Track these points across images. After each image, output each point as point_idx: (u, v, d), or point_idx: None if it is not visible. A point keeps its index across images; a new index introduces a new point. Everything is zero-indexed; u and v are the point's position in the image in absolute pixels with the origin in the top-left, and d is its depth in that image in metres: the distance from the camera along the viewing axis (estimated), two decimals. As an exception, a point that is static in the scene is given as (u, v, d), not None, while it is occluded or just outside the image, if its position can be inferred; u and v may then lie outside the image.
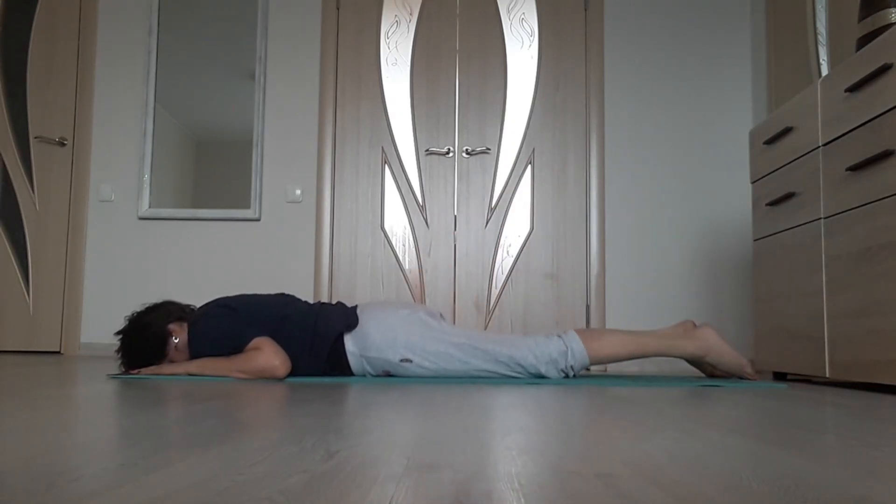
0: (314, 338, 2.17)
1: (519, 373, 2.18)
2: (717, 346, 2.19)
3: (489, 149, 3.72)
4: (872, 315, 1.92)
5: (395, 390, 1.74)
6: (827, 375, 2.15)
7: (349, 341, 2.19)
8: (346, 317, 2.22)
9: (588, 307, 3.61)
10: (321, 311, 2.24)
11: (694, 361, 2.27)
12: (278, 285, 3.74)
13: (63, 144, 3.88)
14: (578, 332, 2.22)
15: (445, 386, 1.93)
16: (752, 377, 2.26)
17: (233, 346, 2.11)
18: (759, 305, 2.65)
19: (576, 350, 2.16)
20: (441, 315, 2.33)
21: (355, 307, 2.29)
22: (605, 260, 3.63)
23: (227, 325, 2.13)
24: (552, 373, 2.16)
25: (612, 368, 3.45)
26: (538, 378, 2.18)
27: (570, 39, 3.75)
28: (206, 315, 2.16)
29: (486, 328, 3.62)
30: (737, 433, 1.03)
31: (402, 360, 2.16)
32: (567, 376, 2.20)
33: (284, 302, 2.25)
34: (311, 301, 3.62)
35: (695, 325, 2.28)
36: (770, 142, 2.54)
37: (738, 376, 2.29)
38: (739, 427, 1.10)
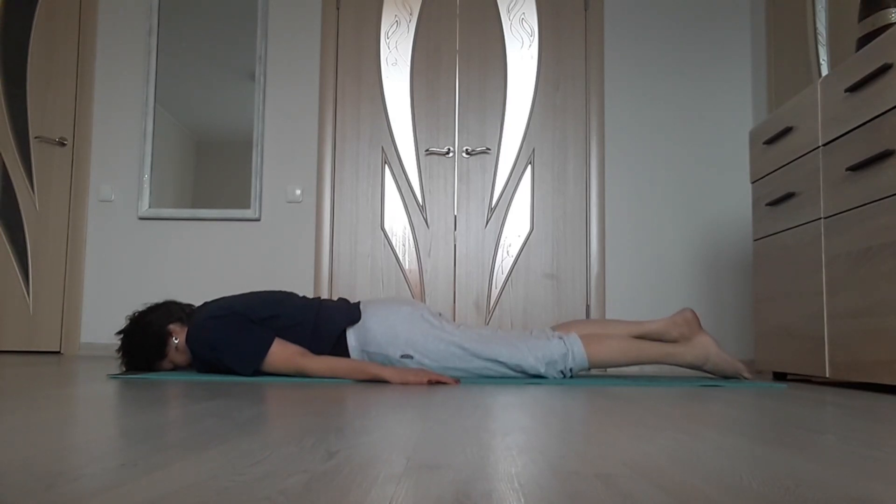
0: (314, 333, 2.17)
1: (518, 373, 2.18)
2: (714, 354, 2.21)
3: (489, 149, 3.72)
4: (872, 315, 1.92)
5: (396, 390, 1.74)
6: (827, 375, 2.15)
7: (351, 336, 2.20)
8: (348, 312, 2.22)
9: (588, 307, 3.61)
10: (321, 308, 2.24)
11: (693, 368, 2.28)
12: (278, 285, 3.74)
13: (63, 144, 3.88)
14: (581, 334, 2.22)
15: (445, 385, 1.93)
16: (750, 378, 2.27)
17: (244, 351, 2.09)
18: (759, 305, 2.65)
19: (577, 353, 2.17)
20: (440, 314, 2.34)
21: (358, 303, 2.29)
22: (605, 260, 3.63)
23: (235, 333, 2.12)
24: (551, 373, 2.17)
25: (613, 368, 3.45)
26: (536, 378, 2.18)
27: (570, 39, 3.75)
28: (214, 318, 2.14)
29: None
30: (737, 433, 1.03)
31: (402, 356, 2.16)
32: (565, 377, 2.20)
33: (283, 298, 2.25)
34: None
35: (693, 313, 2.28)
36: (770, 142, 2.54)
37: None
38: (739, 427, 1.10)
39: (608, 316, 3.60)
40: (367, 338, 2.18)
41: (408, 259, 3.70)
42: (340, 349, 2.20)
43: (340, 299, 2.34)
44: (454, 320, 3.64)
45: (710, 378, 2.34)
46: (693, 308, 3.58)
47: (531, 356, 2.16)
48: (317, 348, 2.16)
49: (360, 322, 2.21)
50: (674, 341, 2.27)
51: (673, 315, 2.30)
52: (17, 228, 3.86)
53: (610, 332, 2.32)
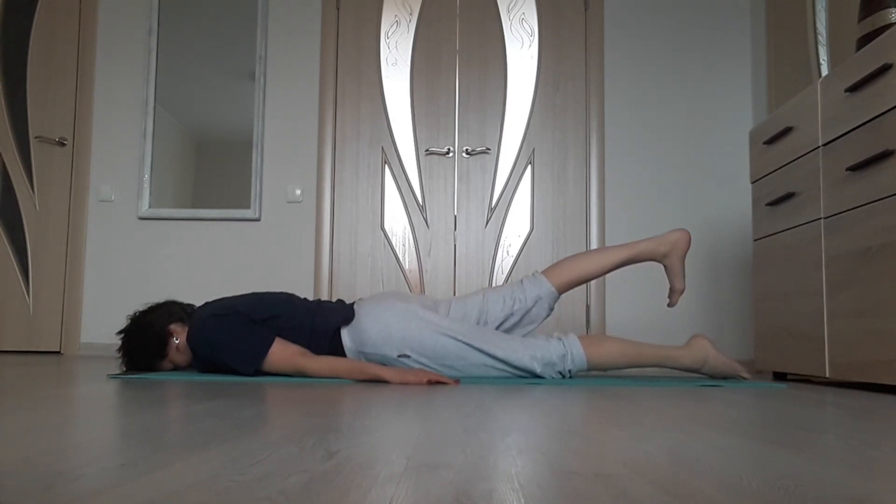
0: (312, 334, 2.17)
1: (514, 370, 2.17)
2: (712, 357, 2.21)
3: (489, 149, 3.72)
4: (872, 315, 1.92)
5: (395, 390, 1.74)
6: (827, 375, 2.15)
7: (346, 337, 2.19)
8: (342, 311, 2.22)
9: (588, 307, 3.61)
10: (319, 308, 2.24)
11: (691, 371, 2.28)
12: (278, 285, 3.74)
13: (63, 144, 3.88)
14: (580, 336, 2.22)
15: (445, 386, 1.93)
16: (748, 378, 2.27)
17: (245, 349, 2.09)
18: (759, 305, 2.65)
19: (576, 355, 2.17)
20: (436, 302, 2.33)
21: (353, 303, 2.29)
22: (605, 260, 3.62)
23: (236, 332, 2.12)
24: (549, 373, 2.17)
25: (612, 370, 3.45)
26: (536, 378, 2.18)
27: (570, 39, 3.75)
28: (216, 317, 2.14)
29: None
30: (737, 433, 1.03)
31: (399, 356, 2.16)
32: (564, 377, 2.20)
33: (284, 299, 2.25)
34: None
35: (686, 235, 2.34)
36: (770, 142, 2.54)
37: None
38: (739, 427, 1.10)
39: (608, 319, 3.60)
40: (363, 339, 2.18)
41: (408, 259, 3.70)
42: (336, 350, 2.20)
43: (339, 301, 2.34)
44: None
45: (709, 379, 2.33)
46: (693, 307, 3.58)
47: (526, 356, 2.15)
48: (314, 349, 2.16)
49: (354, 322, 2.20)
50: (663, 257, 2.32)
51: (664, 233, 2.36)
52: (17, 228, 3.86)
53: (595, 268, 2.35)
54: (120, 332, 2.25)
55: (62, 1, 3.95)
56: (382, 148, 3.76)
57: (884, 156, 1.86)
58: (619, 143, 3.69)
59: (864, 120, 1.96)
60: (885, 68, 1.86)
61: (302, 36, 3.86)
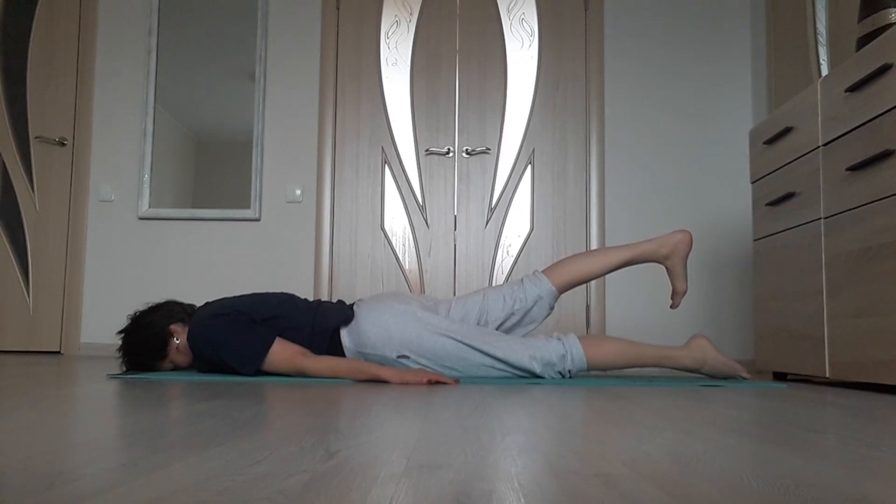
0: (312, 334, 2.17)
1: (514, 370, 2.17)
2: (712, 357, 2.21)
3: (489, 149, 3.72)
4: (872, 315, 1.92)
5: (395, 390, 1.74)
6: (827, 375, 2.15)
7: (345, 337, 2.19)
8: (342, 312, 2.22)
9: (588, 307, 3.61)
10: (319, 309, 2.24)
11: (690, 372, 2.28)
12: (278, 285, 3.74)
13: (63, 144, 3.88)
14: (580, 336, 2.22)
15: (445, 385, 1.93)
16: (748, 378, 2.27)
17: (246, 349, 2.09)
18: (759, 305, 2.65)
19: (575, 355, 2.16)
20: (437, 302, 2.32)
21: (353, 304, 2.29)
22: (605, 260, 3.62)
23: (237, 331, 2.12)
24: (549, 374, 2.16)
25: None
26: (535, 378, 2.17)
27: (570, 39, 3.75)
28: (216, 317, 2.14)
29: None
30: (737, 433, 1.03)
31: (399, 357, 2.16)
32: (564, 377, 2.20)
33: (284, 299, 2.25)
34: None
35: (688, 236, 2.34)
36: (770, 142, 2.54)
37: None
38: (739, 427, 1.10)
39: (608, 319, 3.60)
40: (362, 339, 2.18)
41: (408, 259, 3.70)
42: (336, 350, 2.20)
43: (339, 301, 2.34)
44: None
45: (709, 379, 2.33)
46: (693, 307, 3.59)
47: (526, 356, 2.15)
48: (314, 349, 2.16)
49: (353, 322, 2.20)
50: (664, 258, 2.32)
51: (666, 234, 2.36)
52: (17, 228, 3.86)
53: (595, 268, 2.35)
54: (120, 332, 2.25)
55: (62, 1, 3.95)
56: (382, 148, 3.76)
57: (884, 156, 1.86)
58: (619, 143, 3.69)
59: (864, 120, 1.96)
60: (885, 68, 1.86)
61: (302, 36, 3.86)
